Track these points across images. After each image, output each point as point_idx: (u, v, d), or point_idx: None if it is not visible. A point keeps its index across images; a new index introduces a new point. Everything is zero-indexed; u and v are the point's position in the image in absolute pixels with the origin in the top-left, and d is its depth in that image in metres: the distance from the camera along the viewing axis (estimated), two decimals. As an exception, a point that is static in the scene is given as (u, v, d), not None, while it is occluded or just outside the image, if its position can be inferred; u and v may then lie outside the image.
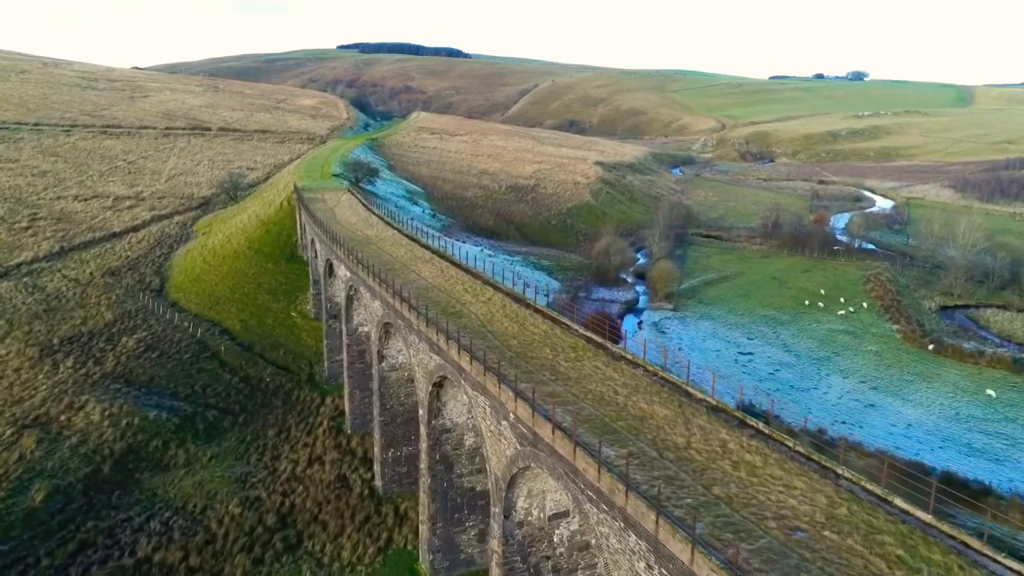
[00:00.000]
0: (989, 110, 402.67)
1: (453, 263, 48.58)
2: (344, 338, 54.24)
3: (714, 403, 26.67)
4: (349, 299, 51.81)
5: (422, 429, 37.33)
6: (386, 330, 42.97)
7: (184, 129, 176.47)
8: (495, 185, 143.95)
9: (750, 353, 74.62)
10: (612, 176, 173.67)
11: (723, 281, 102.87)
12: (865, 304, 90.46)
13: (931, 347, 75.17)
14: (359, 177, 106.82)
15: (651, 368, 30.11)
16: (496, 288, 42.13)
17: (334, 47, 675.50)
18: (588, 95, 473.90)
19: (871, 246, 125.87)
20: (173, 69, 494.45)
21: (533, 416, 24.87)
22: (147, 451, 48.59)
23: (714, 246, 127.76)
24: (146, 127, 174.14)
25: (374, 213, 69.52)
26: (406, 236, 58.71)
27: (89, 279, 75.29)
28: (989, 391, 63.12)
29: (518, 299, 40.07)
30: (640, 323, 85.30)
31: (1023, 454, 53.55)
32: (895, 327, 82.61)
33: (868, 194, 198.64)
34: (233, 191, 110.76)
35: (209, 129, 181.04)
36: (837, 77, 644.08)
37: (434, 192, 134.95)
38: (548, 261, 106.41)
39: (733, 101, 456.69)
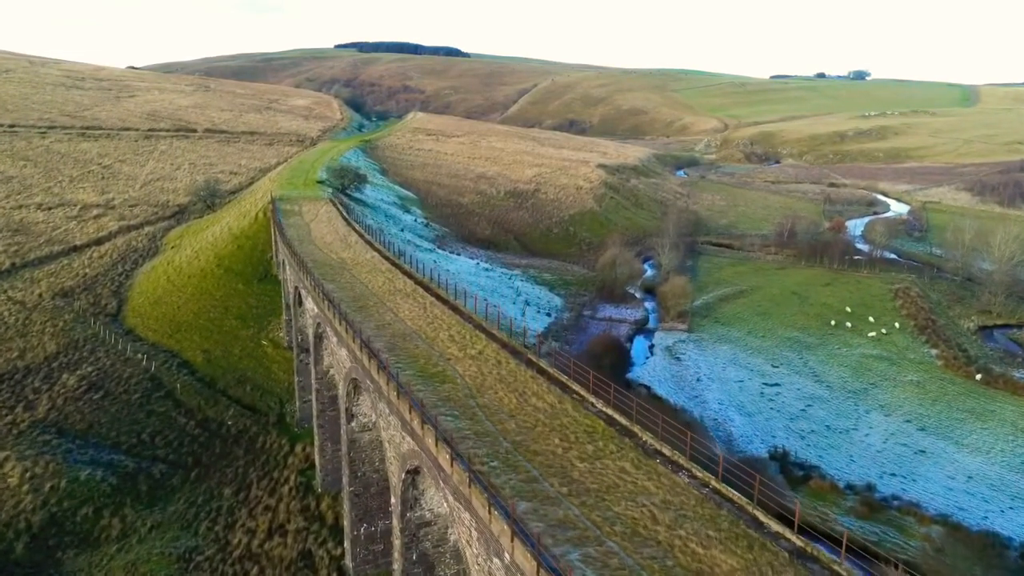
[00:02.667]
0: (997, 110, 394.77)
1: (439, 298, 40.60)
2: (313, 381, 46.35)
3: (799, 544, 18.63)
4: (318, 337, 43.92)
5: (395, 522, 29.37)
6: (355, 385, 35.07)
7: (168, 131, 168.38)
8: (493, 190, 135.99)
9: (776, 384, 66.70)
10: (616, 180, 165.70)
11: (739, 297, 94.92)
12: (897, 324, 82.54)
13: (979, 376, 67.27)
14: (346, 184, 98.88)
15: (700, 475, 22.08)
16: (490, 336, 34.17)
17: (332, 46, 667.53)
18: (588, 95, 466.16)
19: (893, 256, 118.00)
20: (168, 68, 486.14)
21: (539, 572, 16.90)
22: (74, 522, 40.64)
23: (726, 256, 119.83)
24: (128, 128, 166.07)
25: (354, 229, 61.55)
26: (387, 260, 50.72)
27: (37, 302, 67.33)
28: (1059, 436, 55.23)
29: (516, 352, 32.12)
30: (651, 347, 77.37)
31: (1110, 517, 45.67)
32: (934, 351, 74.69)
33: (881, 197, 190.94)
34: (210, 199, 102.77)
35: (195, 131, 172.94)
36: (839, 76, 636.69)
37: (428, 198, 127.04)
38: (550, 274, 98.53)
39: (735, 101, 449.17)
